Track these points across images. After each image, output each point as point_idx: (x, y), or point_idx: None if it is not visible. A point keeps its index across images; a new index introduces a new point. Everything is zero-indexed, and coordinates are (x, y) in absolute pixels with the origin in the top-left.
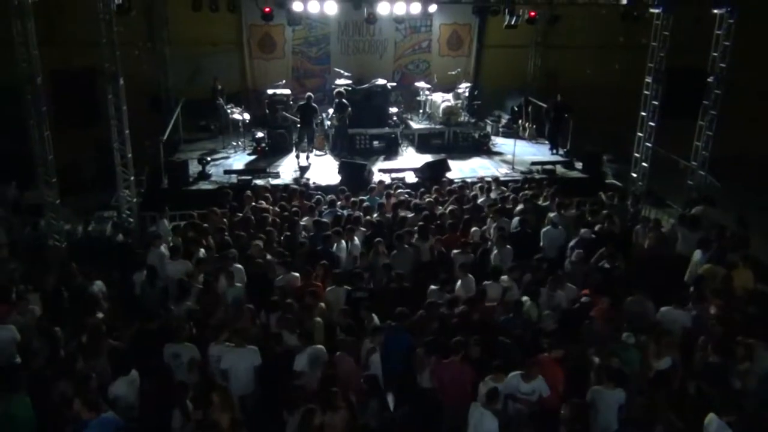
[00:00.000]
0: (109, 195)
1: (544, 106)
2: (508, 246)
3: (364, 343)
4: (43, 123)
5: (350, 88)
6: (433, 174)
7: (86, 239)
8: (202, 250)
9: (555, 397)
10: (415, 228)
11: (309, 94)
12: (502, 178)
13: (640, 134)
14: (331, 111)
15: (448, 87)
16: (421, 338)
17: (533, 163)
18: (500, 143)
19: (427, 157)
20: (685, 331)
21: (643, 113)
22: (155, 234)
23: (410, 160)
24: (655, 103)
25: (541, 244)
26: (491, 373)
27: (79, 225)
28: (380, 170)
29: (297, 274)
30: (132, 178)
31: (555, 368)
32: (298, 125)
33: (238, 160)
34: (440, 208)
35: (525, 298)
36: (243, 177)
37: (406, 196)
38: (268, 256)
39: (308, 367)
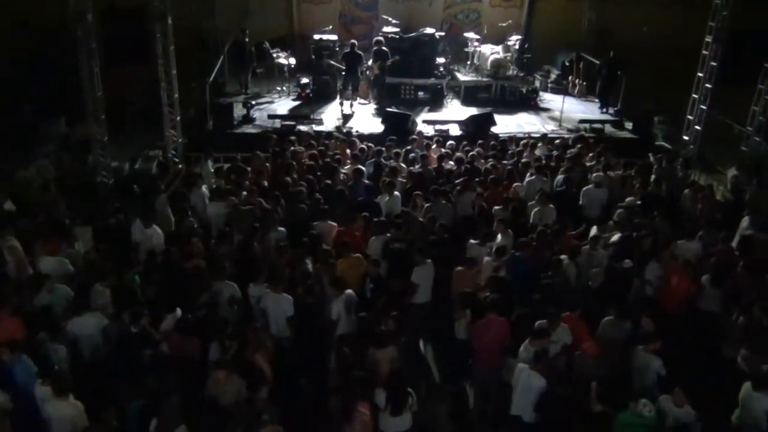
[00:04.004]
0: (155, 134)
1: (597, 62)
2: (551, 204)
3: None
4: (92, 60)
5: (397, 37)
6: (477, 128)
7: (132, 177)
8: (244, 193)
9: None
10: (456, 181)
11: (353, 41)
12: (548, 135)
13: (695, 96)
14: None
15: (498, 39)
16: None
17: (581, 121)
18: (548, 99)
19: (473, 111)
20: None
21: (700, 74)
22: (197, 174)
23: (455, 112)
24: (714, 64)
25: (581, 202)
26: (532, 335)
27: (125, 162)
28: (424, 121)
29: (333, 223)
30: (178, 118)
31: (578, 321)
32: (343, 72)
33: (283, 105)
34: (483, 162)
35: (564, 256)
36: (286, 122)
37: (449, 148)
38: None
39: (344, 313)
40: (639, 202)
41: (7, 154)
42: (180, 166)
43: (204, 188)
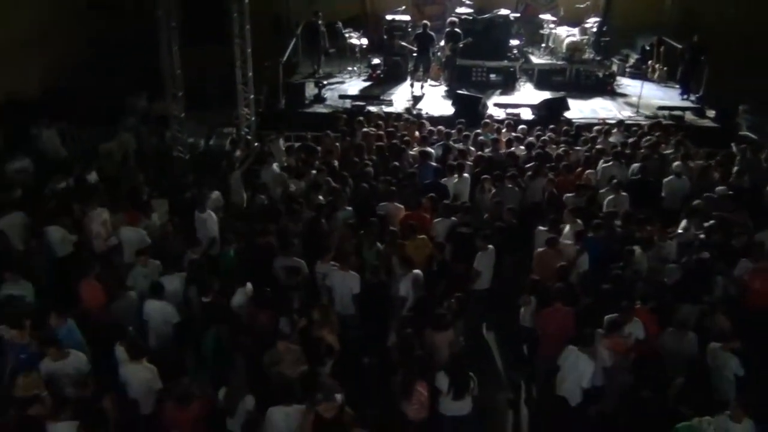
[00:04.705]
0: (229, 112)
1: (679, 46)
2: (624, 193)
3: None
4: (172, 38)
5: (470, 18)
6: (550, 112)
7: (207, 152)
8: (313, 172)
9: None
10: (526, 166)
11: (425, 21)
12: (624, 122)
13: None
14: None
15: (575, 21)
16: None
17: (660, 108)
18: (626, 84)
19: (546, 95)
20: None
21: None
22: (269, 152)
23: (527, 96)
24: None
25: (663, 194)
26: (605, 329)
27: (201, 139)
28: (495, 105)
29: (400, 205)
30: (251, 96)
31: (651, 316)
32: (415, 54)
33: (353, 85)
34: (554, 147)
35: (636, 247)
36: (357, 103)
37: (521, 133)
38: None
39: (412, 291)
40: (731, 192)
41: (95, 127)
42: (255, 144)
43: (275, 166)
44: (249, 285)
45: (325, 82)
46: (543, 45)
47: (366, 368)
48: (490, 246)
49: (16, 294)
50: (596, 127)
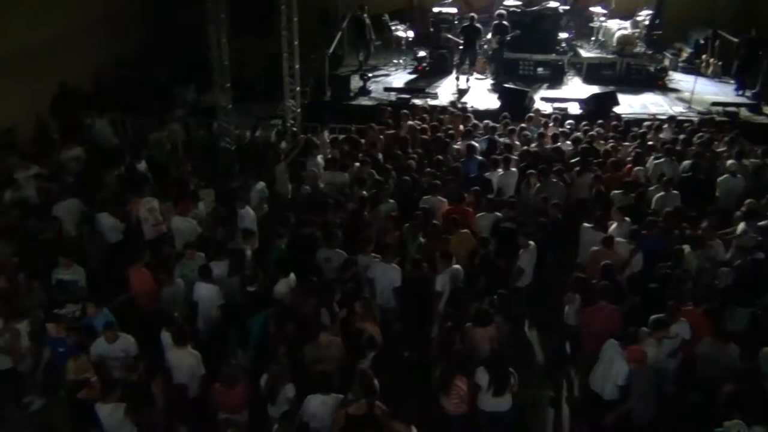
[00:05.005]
0: (275, 104)
1: (735, 40)
2: (675, 191)
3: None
4: (221, 30)
5: (518, 10)
6: (599, 107)
7: (252, 144)
8: (357, 164)
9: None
10: (572, 162)
11: (472, 14)
12: (676, 117)
13: None
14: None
15: (627, 14)
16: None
17: (714, 104)
18: (678, 79)
19: (594, 89)
20: None
21: None
22: (314, 144)
23: (575, 90)
24: None
25: (717, 193)
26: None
27: (247, 130)
28: (542, 99)
29: (443, 199)
30: (297, 88)
31: (700, 317)
32: (461, 47)
33: (399, 77)
34: (602, 143)
35: (686, 246)
36: (402, 95)
37: (568, 127)
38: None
39: (449, 286)
40: None
41: (145, 117)
42: (300, 135)
43: (319, 158)
44: (292, 275)
45: (370, 75)
46: (593, 38)
47: (406, 362)
48: (532, 243)
49: (68, 278)
50: (646, 123)
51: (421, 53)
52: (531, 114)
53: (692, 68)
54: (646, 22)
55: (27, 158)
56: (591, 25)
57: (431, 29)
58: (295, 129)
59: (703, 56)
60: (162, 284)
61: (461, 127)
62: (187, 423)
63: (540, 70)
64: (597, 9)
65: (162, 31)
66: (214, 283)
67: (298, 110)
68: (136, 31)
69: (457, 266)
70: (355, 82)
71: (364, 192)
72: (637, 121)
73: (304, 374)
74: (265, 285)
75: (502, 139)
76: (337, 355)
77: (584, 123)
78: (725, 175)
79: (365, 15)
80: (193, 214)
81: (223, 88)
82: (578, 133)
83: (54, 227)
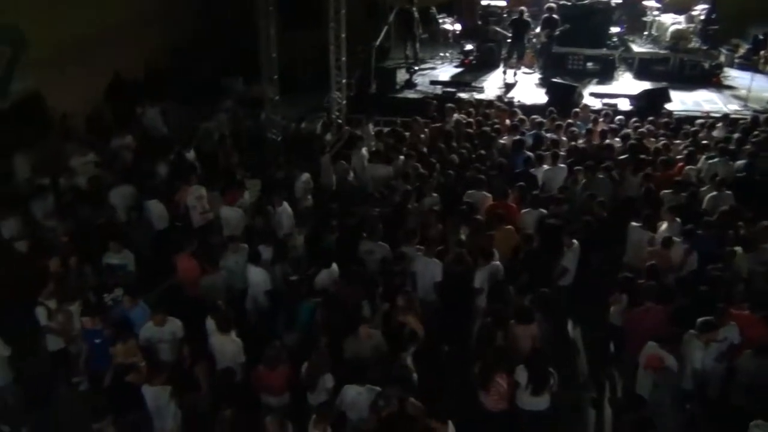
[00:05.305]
0: (321, 96)
1: None
2: (728, 191)
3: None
4: (270, 23)
5: (569, 4)
6: (650, 103)
7: (298, 135)
8: (401, 157)
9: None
10: (621, 159)
11: (522, 7)
12: (730, 116)
13: None
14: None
15: (681, 8)
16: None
17: None
18: (734, 76)
19: (646, 85)
20: None
21: None
22: (359, 136)
23: (626, 86)
24: None
25: None
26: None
27: (293, 121)
28: (591, 94)
29: (488, 194)
30: (344, 81)
31: (754, 321)
32: (509, 40)
33: (445, 71)
34: (653, 141)
35: (738, 248)
36: (448, 89)
37: (617, 124)
38: None
39: (487, 283)
40: None
41: (194, 107)
42: (346, 128)
43: (364, 150)
44: (334, 265)
45: (416, 68)
46: (645, 33)
47: (446, 357)
48: (575, 242)
49: (117, 263)
50: (699, 121)
51: (468, 47)
52: (577, 109)
53: (749, 65)
54: (702, 17)
55: (84, 145)
56: (644, 19)
57: (479, 22)
58: (340, 121)
59: (762, 52)
60: (206, 273)
61: (507, 121)
62: (232, 407)
63: (590, 64)
64: (650, 3)
65: (214, 22)
66: (262, 267)
67: (344, 102)
68: (190, 22)
69: (497, 263)
70: (402, 75)
71: (408, 186)
72: (690, 119)
73: (343, 365)
74: (308, 275)
75: (548, 135)
76: (377, 348)
77: (634, 120)
78: None
79: (413, 8)
80: (239, 203)
81: (271, 79)
82: (628, 130)
83: (109, 213)
